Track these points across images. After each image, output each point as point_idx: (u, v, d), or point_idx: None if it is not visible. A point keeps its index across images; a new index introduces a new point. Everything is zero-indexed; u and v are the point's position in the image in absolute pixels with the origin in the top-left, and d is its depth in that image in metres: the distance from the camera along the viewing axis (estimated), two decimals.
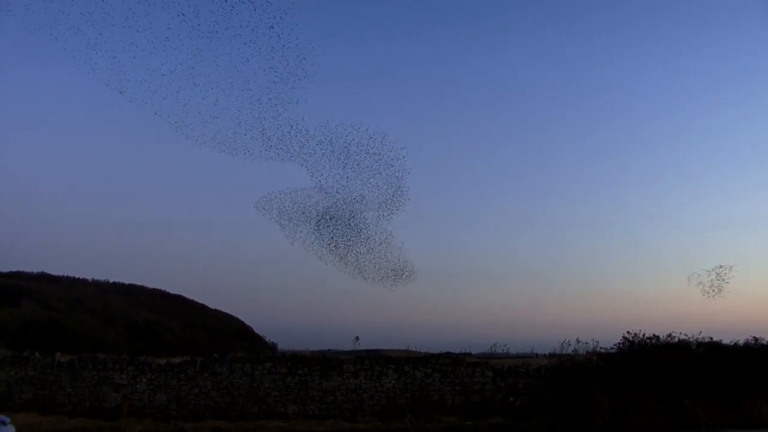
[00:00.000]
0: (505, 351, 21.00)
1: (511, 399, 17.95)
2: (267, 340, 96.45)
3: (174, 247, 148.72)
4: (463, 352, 19.26)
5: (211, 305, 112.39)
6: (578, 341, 19.34)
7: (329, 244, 20.02)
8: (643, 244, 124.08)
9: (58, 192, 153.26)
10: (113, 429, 16.46)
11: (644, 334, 18.14)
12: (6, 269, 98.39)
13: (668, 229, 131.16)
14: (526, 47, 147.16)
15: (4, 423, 7.78)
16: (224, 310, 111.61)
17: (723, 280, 18.54)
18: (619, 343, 18.30)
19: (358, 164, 19.16)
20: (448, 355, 18.65)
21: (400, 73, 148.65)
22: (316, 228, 19.76)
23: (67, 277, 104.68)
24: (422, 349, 23.59)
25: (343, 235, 20.31)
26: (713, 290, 18.48)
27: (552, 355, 19.91)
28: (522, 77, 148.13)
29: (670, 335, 18.05)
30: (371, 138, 19.11)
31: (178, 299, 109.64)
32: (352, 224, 20.19)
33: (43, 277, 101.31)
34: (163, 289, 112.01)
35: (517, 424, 17.31)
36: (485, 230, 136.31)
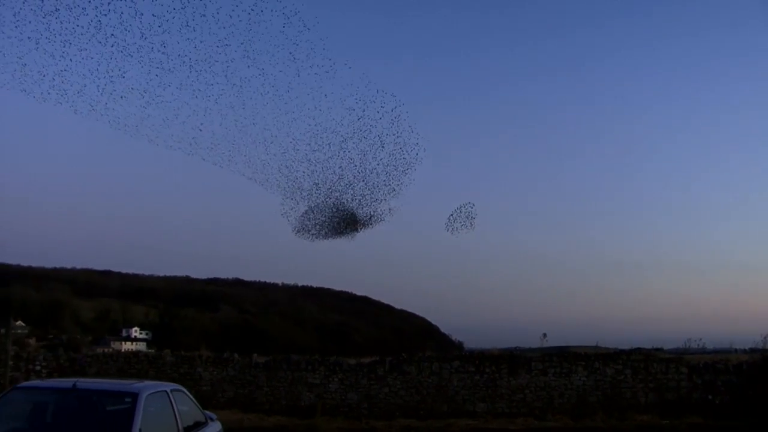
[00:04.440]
0: (700, 346, 20.04)
1: (709, 397, 17.16)
2: (453, 338, 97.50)
3: (359, 251, 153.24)
4: (654, 347, 18.43)
5: (397, 305, 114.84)
6: None
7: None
8: None
9: (246, 205, 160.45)
10: (309, 427, 16.98)
11: None
12: (204, 276, 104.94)
13: None
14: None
15: (212, 419, 8.36)
16: (410, 309, 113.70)
17: (470, 217, 18.49)
18: None
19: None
20: (639, 350, 17.97)
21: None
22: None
23: (259, 282, 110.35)
24: (611, 345, 22.86)
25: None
26: (461, 227, 18.36)
27: (753, 351, 18.85)
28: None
29: None
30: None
31: (365, 300, 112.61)
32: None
33: (238, 283, 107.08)
34: (349, 291, 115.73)
35: (717, 424, 16.52)
36: (679, 222, 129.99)
